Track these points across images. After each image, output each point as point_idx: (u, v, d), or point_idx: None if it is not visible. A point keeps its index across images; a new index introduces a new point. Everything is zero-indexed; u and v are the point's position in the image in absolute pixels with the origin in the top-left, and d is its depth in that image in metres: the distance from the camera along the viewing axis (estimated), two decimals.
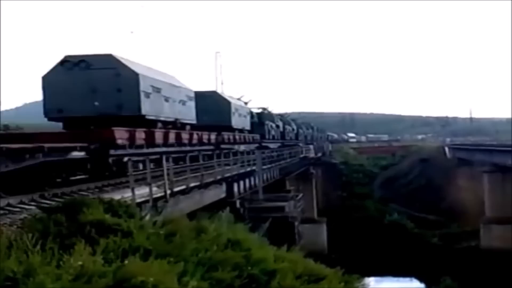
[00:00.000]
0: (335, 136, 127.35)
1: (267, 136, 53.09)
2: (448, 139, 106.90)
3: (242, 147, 36.93)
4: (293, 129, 72.35)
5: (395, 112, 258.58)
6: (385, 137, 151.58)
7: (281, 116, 69.17)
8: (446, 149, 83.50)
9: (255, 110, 54.55)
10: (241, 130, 41.72)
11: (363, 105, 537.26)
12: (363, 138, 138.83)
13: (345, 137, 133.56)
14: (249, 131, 44.91)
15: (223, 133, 35.45)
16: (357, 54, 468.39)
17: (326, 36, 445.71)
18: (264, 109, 59.46)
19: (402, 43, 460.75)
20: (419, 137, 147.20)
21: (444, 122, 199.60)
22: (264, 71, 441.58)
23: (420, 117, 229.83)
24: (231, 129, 38.90)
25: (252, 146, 42.31)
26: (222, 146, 33.37)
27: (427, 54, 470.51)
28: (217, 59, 78.45)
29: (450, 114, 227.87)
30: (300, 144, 68.83)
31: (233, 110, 39.45)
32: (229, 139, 36.40)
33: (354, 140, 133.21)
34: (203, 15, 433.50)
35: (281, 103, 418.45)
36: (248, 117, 45.51)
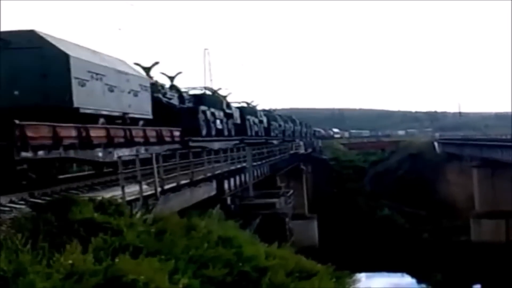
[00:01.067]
0: (322, 131, 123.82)
1: (249, 133, 47.31)
2: (437, 134, 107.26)
3: (216, 145, 32.14)
4: (279, 125, 67.39)
5: (384, 108, 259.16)
6: (366, 132, 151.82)
7: (267, 112, 64.25)
8: (436, 144, 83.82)
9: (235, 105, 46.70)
10: (123, 119, 22.41)
11: (353, 101, 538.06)
12: (346, 134, 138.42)
13: (331, 132, 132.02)
14: (158, 122, 25.78)
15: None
16: (347, 50, 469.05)
17: (315, 33, 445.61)
18: (247, 103, 54.13)
19: (390, 39, 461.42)
20: (400, 132, 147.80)
21: (433, 117, 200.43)
22: (253, 69, 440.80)
23: (409, 112, 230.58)
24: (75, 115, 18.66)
25: (231, 144, 36.84)
26: (192, 144, 28.54)
27: (416, 49, 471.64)
28: (206, 56, 78.13)
29: (439, 109, 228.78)
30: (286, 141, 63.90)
31: (79, 73, 18.89)
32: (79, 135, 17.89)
33: (338, 136, 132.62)
34: (192, 11, 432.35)
35: (271, 99, 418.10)
36: (148, 96, 25.66)
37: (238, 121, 43.50)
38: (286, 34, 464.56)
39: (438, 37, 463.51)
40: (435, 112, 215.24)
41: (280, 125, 68.03)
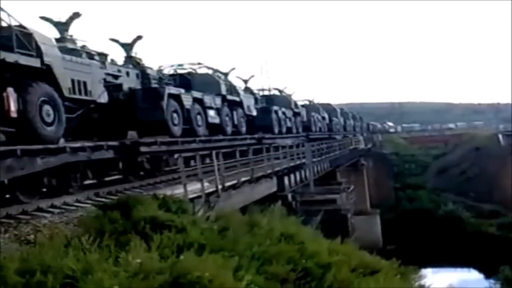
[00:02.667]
0: (378, 125, 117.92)
1: (313, 129, 49.23)
2: (501, 126, 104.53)
3: (289, 142, 33.38)
4: (340, 121, 67.37)
5: (445, 100, 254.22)
6: (417, 126, 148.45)
7: (328, 106, 63.53)
8: (500, 136, 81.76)
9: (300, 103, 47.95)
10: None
11: (413, 94, 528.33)
12: (398, 128, 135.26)
13: (386, 126, 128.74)
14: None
15: None
16: (407, 44, 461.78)
17: (371, 27, 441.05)
18: (309, 101, 55.45)
19: (449, 30, 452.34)
20: (451, 125, 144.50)
21: (496, 109, 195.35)
22: (309, 65, 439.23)
23: (472, 104, 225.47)
24: None
25: (300, 139, 39.02)
26: (266, 141, 30.73)
27: (477, 40, 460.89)
28: (264, 66, 78.57)
29: (502, 100, 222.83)
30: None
31: None
32: None
33: (392, 130, 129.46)
34: (242, 15, 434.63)
35: (329, 95, 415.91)
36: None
37: (305, 118, 46.44)
38: (342, 30, 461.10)
39: (498, 27, 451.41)
40: (498, 103, 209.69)
41: (340, 121, 68.75)
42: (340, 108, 71.86)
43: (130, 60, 22.13)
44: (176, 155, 19.82)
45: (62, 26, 18.84)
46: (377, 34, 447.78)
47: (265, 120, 34.35)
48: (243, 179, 19.21)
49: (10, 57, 12.80)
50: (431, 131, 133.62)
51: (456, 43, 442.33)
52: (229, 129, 27.40)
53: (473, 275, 52.21)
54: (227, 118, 27.50)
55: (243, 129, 29.91)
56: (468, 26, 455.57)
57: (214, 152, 17.21)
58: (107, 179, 18.81)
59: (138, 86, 20.86)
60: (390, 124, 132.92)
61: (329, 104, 63.46)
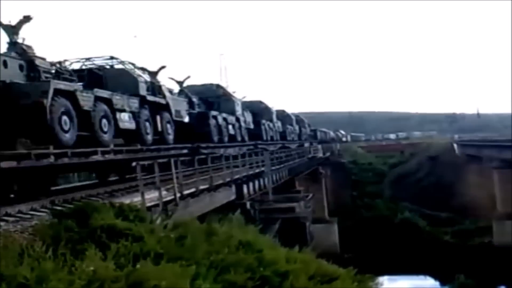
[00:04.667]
0: (331, 133, 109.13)
1: (264, 137, 44.77)
2: (456, 136, 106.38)
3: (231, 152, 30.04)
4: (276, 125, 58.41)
5: (403, 110, 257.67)
6: (362, 136, 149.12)
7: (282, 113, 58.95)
8: (455, 145, 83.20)
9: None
10: None
11: (371, 104, 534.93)
12: (348, 137, 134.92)
13: (340, 135, 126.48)
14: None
15: None
16: (364, 53, 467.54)
17: (331, 36, 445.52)
18: (260, 102, 49.41)
19: (408, 41, 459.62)
20: (392, 135, 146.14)
21: (452, 119, 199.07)
22: (269, 73, 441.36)
23: (428, 114, 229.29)
24: None
25: (244, 149, 35.05)
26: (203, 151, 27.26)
27: (433, 51, 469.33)
28: (221, 60, 77.73)
29: (458, 110, 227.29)
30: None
31: None
32: None
33: (344, 139, 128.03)
34: (204, 15, 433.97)
35: (287, 103, 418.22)
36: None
37: (252, 125, 41.84)
38: (303, 39, 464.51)
39: (456, 39, 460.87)
40: (454, 113, 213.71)
41: (295, 129, 64.60)
42: (296, 115, 67.86)
43: (15, 47, 17.43)
44: (133, 163, 18.46)
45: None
46: (335, 44, 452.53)
47: (203, 127, 30.62)
48: (202, 187, 19.16)
49: None
50: (375, 141, 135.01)
51: (412, 55, 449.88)
52: (149, 137, 22.68)
53: (429, 282, 52.98)
54: (147, 124, 22.61)
55: (170, 137, 25.27)
56: (424, 38, 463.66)
57: (172, 160, 17.11)
58: (62, 187, 18.56)
59: (22, 81, 16.58)
60: (343, 132, 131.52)
61: (283, 111, 59.21)
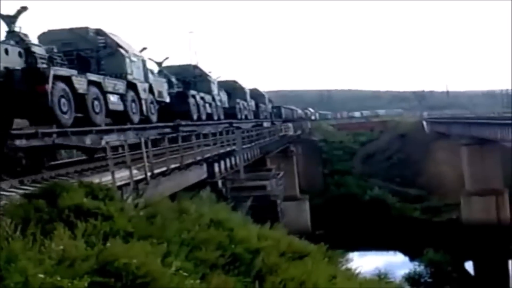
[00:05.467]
0: (299, 111, 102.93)
1: (238, 116, 46.01)
2: (425, 113, 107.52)
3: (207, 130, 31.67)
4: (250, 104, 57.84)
5: (373, 88, 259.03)
6: (328, 114, 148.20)
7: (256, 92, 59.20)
8: (424, 123, 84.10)
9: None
10: None
11: (342, 82, 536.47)
12: (317, 115, 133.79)
13: (309, 113, 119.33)
14: None
15: None
16: (335, 32, 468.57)
17: (301, 13, 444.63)
18: (234, 82, 49.79)
19: (377, 19, 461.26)
20: (356, 113, 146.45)
21: (421, 97, 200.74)
22: (240, 51, 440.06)
23: (398, 92, 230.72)
24: None
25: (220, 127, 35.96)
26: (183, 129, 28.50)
27: (402, 29, 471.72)
28: (191, 39, 77.36)
29: (427, 88, 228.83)
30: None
31: None
32: None
33: (313, 117, 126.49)
34: None
35: (258, 82, 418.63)
36: None
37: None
38: (272, 15, 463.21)
39: (425, 16, 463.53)
40: (423, 91, 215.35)
41: (268, 107, 65.85)
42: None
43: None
44: (103, 142, 18.79)
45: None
46: (304, 22, 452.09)
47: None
48: (173, 166, 19.13)
49: None
50: (341, 119, 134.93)
51: (381, 33, 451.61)
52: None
53: (398, 258, 53.80)
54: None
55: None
56: (393, 16, 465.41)
57: (143, 139, 17.05)
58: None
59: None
60: (312, 110, 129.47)
61: (256, 89, 59.68)
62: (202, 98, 35.24)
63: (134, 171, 15.50)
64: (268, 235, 12.00)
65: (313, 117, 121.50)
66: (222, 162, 26.85)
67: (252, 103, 54.22)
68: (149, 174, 16.22)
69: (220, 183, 24.72)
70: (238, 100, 46.92)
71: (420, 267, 44.26)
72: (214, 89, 39.70)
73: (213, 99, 38.59)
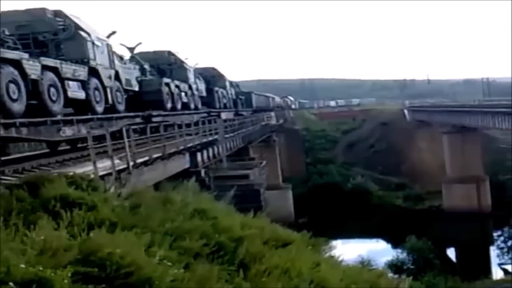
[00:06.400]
0: (276, 99, 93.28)
1: (217, 105, 43.51)
2: (407, 102, 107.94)
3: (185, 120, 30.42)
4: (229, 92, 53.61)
5: (355, 77, 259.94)
6: (306, 102, 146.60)
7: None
8: (406, 111, 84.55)
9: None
10: None
11: (324, 71, 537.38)
12: (296, 104, 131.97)
13: (289, 101, 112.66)
14: None
15: None
16: (316, 20, 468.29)
17: (283, 3, 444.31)
18: (213, 69, 47.49)
19: (360, 8, 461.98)
20: (332, 102, 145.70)
21: (402, 85, 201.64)
22: (219, 39, 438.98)
23: (379, 80, 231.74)
24: None
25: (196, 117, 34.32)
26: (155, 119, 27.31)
27: (384, 18, 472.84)
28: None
29: (408, 77, 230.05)
30: None
31: None
32: None
33: (294, 106, 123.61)
34: None
35: (238, 70, 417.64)
36: None
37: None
38: (252, 3, 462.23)
39: (406, 5, 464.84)
40: (404, 80, 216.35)
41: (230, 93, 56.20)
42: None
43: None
44: (84, 131, 18.21)
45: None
46: (286, 11, 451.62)
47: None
48: (155, 155, 19.07)
49: None
50: (318, 108, 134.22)
51: (363, 22, 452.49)
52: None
53: (381, 245, 54.23)
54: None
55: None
56: (375, 5, 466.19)
57: (124, 129, 16.97)
58: (12, 157, 18.19)
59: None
60: (292, 99, 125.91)
61: (212, 69, 50.09)
62: (177, 86, 33.15)
63: (117, 161, 15.42)
64: (251, 223, 12.00)
65: (293, 106, 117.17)
66: (205, 152, 26.83)
67: (232, 91, 51.76)
68: (131, 163, 16.16)
69: (203, 172, 24.72)
70: (216, 89, 44.62)
71: (402, 254, 44.65)
72: (191, 77, 36.98)
73: (190, 87, 36.34)
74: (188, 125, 26.67)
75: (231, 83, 52.67)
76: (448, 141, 59.22)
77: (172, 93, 31.73)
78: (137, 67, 29.16)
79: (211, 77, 45.09)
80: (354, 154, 77.36)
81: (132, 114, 25.33)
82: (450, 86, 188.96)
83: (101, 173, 14.01)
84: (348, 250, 25.65)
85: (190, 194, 14.68)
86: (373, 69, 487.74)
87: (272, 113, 68.02)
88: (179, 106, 32.79)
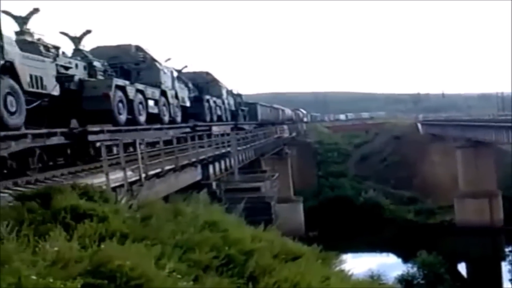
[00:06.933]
0: (288, 112, 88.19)
1: (208, 118, 37.19)
2: (420, 116, 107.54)
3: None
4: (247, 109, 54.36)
5: (368, 91, 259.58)
6: (318, 116, 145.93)
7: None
8: (419, 125, 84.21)
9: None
10: None
11: (337, 84, 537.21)
12: (308, 117, 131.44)
13: (301, 114, 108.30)
14: None
15: None
16: (330, 34, 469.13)
17: (298, 16, 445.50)
18: (207, 73, 42.71)
19: (374, 22, 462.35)
20: (341, 116, 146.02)
21: (416, 99, 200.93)
22: (235, 53, 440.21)
23: (393, 94, 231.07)
24: None
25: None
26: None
27: (399, 32, 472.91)
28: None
29: (422, 90, 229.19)
30: None
31: None
32: None
33: (305, 119, 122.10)
34: None
35: (253, 84, 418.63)
36: None
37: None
38: (267, 17, 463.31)
39: (422, 20, 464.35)
40: (418, 94, 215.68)
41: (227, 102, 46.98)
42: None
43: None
44: (98, 144, 19.22)
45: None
46: (301, 25, 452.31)
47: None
48: (168, 167, 19.12)
49: None
50: (328, 122, 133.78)
51: (378, 35, 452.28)
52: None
53: (391, 260, 53.89)
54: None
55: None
56: (390, 19, 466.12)
57: (137, 140, 17.06)
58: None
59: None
60: (304, 112, 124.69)
61: (206, 73, 43.52)
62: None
63: (129, 173, 15.48)
64: (262, 236, 12.01)
65: (305, 119, 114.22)
66: (217, 164, 26.88)
67: (231, 101, 46.20)
68: (143, 175, 16.22)
69: (214, 184, 24.73)
70: (207, 97, 38.28)
71: (413, 269, 44.34)
72: (166, 80, 31.00)
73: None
74: (201, 137, 27.21)
75: (229, 91, 46.82)
76: (461, 156, 58.85)
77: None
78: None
79: (204, 83, 40.75)
80: (367, 167, 77.04)
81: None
82: (465, 100, 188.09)
83: (113, 185, 14.06)
84: (358, 264, 25.54)
85: (201, 206, 14.73)
86: (387, 83, 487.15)
87: (285, 126, 68.03)
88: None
